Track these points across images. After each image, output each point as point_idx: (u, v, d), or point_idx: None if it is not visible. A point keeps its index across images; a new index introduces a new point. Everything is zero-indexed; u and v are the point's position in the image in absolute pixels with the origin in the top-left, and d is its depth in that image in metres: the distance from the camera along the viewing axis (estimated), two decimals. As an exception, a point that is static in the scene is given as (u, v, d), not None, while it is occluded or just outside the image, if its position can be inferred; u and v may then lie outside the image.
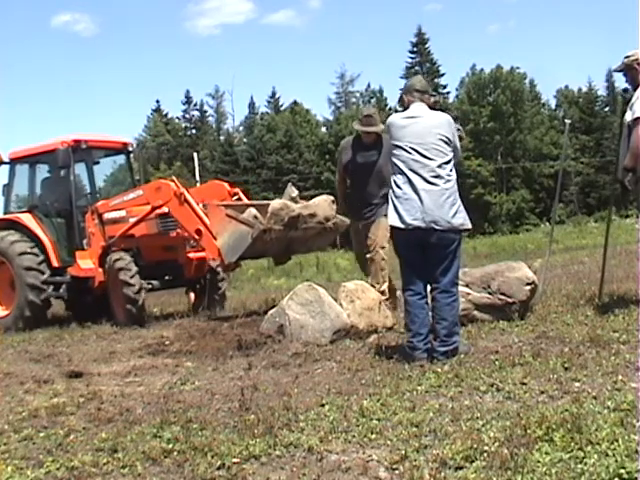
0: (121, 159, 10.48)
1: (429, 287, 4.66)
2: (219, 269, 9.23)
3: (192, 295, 9.71)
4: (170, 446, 3.21)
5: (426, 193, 4.45)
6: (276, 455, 3.01)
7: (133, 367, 5.46)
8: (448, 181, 4.53)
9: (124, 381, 5.00)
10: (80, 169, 9.88)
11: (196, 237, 8.05)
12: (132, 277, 8.19)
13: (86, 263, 8.96)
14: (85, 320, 8.67)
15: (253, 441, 3.15)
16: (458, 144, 4.75)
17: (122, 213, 8.78)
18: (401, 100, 4.88)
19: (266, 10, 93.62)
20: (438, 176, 4.50)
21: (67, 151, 9.01)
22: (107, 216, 8.87)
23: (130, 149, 10.31)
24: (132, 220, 8.62)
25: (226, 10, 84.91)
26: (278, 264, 8.94)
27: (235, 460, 2.96)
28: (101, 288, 8.72)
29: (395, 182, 4.59)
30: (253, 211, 7.58)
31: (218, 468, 2.90)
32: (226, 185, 8.76)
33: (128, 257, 8.42)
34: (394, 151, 4.64)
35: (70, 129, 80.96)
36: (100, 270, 8.74)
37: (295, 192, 7.80)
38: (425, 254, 4.56)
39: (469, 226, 4.68)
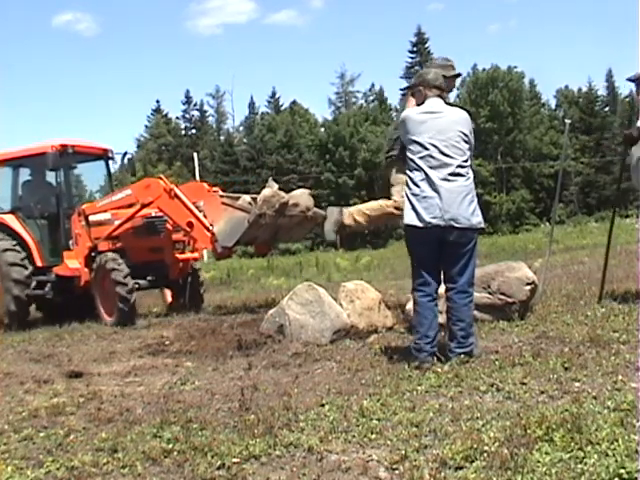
0: (101, 164, 10.66)
1: (443, 287, 4.58)
2: (199, 270, 9.72)
3: (168, 294, 9.90)
4: (170, 446, 3.21)
5: (446, 191, 4.37)
6: (276, 455, 3.01)
7: (133, 367, 5.46)
8: (467, 179, 4.47)
9: (124, 381, 5.00)
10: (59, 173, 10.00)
11: (188, 229, 8.36)
12: (125, 277, 8.39)
13: (73, 263, 9.18)
14: (56, 320, 8.83)
15: (253, 441, 3.15)
16: (473, 142, 4.65)
17: (107, 216, 9.02)
18: (416, 92, 4.75)
19: (268, 10, 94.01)
20: (458, 174, 4.43)
21: (57, 154, 9.19)
22: (93, 218, 9.09)
23: (110, 155, 10.48)
24: (117, 222, 8.84)
25: (228, 10, 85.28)
26: (260, 255, 9.42)
27: (235, 460, 2.96)
28: (85, 288, 8.95)
29: (412, 179, 4.48)
30: (247, 198, 8.29)
31: (218, 468, 2.90)
32: (205, 185, 9.06)
33: (119, 258, 8.61)
34: (410, 146, 4.53)
35: (69, 129, 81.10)
36: (86, 270, 8.98)
37: (275, 186, 8.21)
38: (441, 254, 4.48)
39: (484, 225, 4.67)
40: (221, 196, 8.49)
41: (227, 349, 5.69)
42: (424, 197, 4.41)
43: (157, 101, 62.84)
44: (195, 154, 39.84)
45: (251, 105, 60.48)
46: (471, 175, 4.55)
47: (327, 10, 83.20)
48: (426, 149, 4.46)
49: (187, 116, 61.15)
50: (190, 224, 8.27)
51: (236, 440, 3.20)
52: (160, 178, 8.85)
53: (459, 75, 6.22)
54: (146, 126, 59.20)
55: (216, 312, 8.78)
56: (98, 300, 8.71)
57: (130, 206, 8.90)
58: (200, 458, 3.02)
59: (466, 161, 4.51)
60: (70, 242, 9.32)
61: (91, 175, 11.26)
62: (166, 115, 59.72)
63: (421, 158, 4.46)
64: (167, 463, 3.05)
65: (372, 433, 3.16)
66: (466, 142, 4.53)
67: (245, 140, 57.54)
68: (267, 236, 8.44)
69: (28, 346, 7.09)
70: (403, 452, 2.86)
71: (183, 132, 60.43)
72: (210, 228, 8.15)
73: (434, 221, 4.37)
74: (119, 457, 3.14)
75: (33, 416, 4.04)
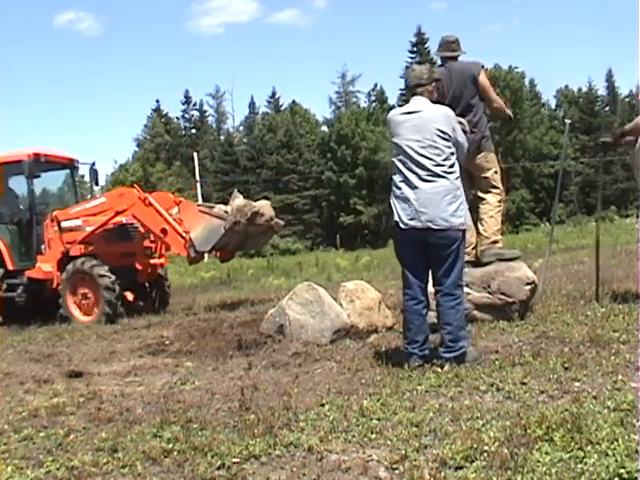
0: (67, 173, 11.08)
1: (432, 290, 4.54)
2: (166, 276, 10.26)
3: (129, 295, 10.15)
4: (170, 446, 3.22)
5: (423, 192, 4.32)
6: (276, 455, 3.02)
7: (133, 367, 5.46)
8: (447, 179, 4.36)
9: (124, 381, 5.00)
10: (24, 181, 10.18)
11: (162, 236, 8.94)
12: (106, 271, 8.91)
13: (46, 267, 9.58)
14: (14, 322, 9.11)
15: (253, 441, 3.16)
16: (461, 138, 4.54)
17: (78, 222, 9.45)
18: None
19: (271, 9, 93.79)
20: (435, 174, 4.35)
21: (32, 162, 9.56)
22: (65, 224, 9.50)
23: (76, 165, 10.93)
24: (88, 229, 9.33)
25: (232, 9, 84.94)
26: (224, 261, 10.28)
27: (235, 460, 2.96)
28: (55, 291, 9.34)
29: (394, 181, 4.49)
30: (223, 207, 9.04)
31: (218, 468, 2.91)
32: (171, 195, 9.87)
33: (94, 259, 9.14)
34: (393, 150, 4.54)
35: (69, 129, 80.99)
36: (58, 274, 9.39)
37: (240, 197, 8.90)
38: (426, 256, 4.43)
39: (469, 225, 4.62)
40: (198, 205, 9.34)
41: (227, 349, 5.70)
42: (402, 198, 4.40)
43: (157, 101, 62.88)
44: (195, 154, 39.78)
45: (251, 105, 60.49)
46: (454, 174, 4.42)
47: (330, 10, 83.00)
48: (403, 150, 4.43)
49: (187, 116, 61.14)
50: (164, 230, 8.85)
51: (236, 440, 3.20)
52: (134, 187, 9.43)
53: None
54: (145, 126, 59.24)
55: (215, 311, 8.79)
56: (70, 302, 9.11)
57: (98, 214, 9.36)
58: (200, 458, 3.03)
59: (446, 159, 4.39)
60: (42, 246, 9.71)
61: (58, 183, 11.74)
62: (166, 115, 59.65)
63: (400, 160, 4.45)
64: (167, 463, 3.05)
65: (372, 433, 3.16)
66: (446, 140, 4.42)
67: (245, 140, 57.49)
68: (236, 243, 9.15)
69: (28, 346, 7.09)
70: (403, 452, 2.87)
71: (183, 132, 60.37)
72: (183, 235, 8.71)
73: (411, 222, 4.34)
74: (119, 457, 3.15)
75: (33, 416, 4.05)
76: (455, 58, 5.91)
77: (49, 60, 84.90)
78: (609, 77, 56.22)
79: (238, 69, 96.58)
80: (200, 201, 31.48)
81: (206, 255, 10.95)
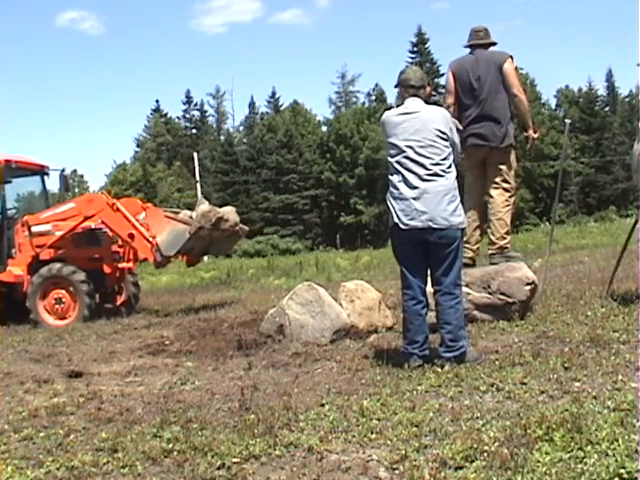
0: (37, 180, 11.22)
1: (431, 289, 4.54)
2: (136, 278, 10.61)
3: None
4: (170, 446, 3.22)
5: (422, 191, 4.33)
6: (276, 455, 3.02)
7: (133, 367, 5.46)
8: (446, 178, 4.39)
9: (124, 381, 5.01)
10: None
11: (129, 240, 9.21)
12: (85, 277, 9.19)
13: (16, 270, 9.78)
14: None
15: (253, 441, 3.16)
16: (457, 139, 4.59)
17: (48, 227, 9.66)
18: (398, 92, 4.77)
19: (274, 9, 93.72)
20: (435, 174, 4.36)
21: (4, 168, 9.78)
22: (35, 229, 9.69)
23: (46, 171, 11.13)
24: (58, 233, 9.53)
25: (234, 9, 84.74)
26: (190, 265, 10.63)
27: (235, 460, 2.96)
28: (25, 294, 9.49)
29: (392, 182, 4.48)
30: (188, 212, 9.44)
31: (218, 468, 2.91)
32: (138, 201, 10.15)
33: (71, 265, 9.34)
34: (390, 150, 4.53)
35: (70, 129, 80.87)
36: (28, 277, 9.58)
37: (205, 203, 9.27)
38: (425, 256, 4.43)
39: (465, 225, 4.63)
40: (164, 210, 9.66)
41: (227, 349, 5.70)
42: (402, 199, 4.39)
43: (156, 101, 62.93)
44: (195, 154, 39.81)
45: (251, 105, 60.50)
46: (452, 174, 4.45)
47: (333, 9, 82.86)
48: (402, 151, 4.43)
49: (187, 116, 61.13)
50: (131, 235, 9.10)
51: (236, 440, 3.20)
52: (102, 193, 9.82)
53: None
54: (146, 126, 59.26)
55: (215, 311, 8.79)
56: (40, 306, 9.24)
57: (68, 219, 9.53)
58: (200, 458, 3.03)
59: (445, 159, 4.42)
60: (13, 251, 9.89)
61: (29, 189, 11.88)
62: (166, 115, 59.67)
63: (398, 160, 4.45)
64: (167, 463, 3.05)
65: (372, 433, 3.16)
66: (444, 140, 4.45)
67: (245, 140, 57.50)
68: (200, 248, 9.42)
69: (28, 346, 7.09)
70: (403, 452, 2.87)
71: (183, 132, 60.35)
72: (150, 239, 8.94)
73: (412, 223, 4.33)
74: (119, 457, 3.15)
75: (33, 416, 4.05)
76: (484, 46, 5.97)
77: (50, 59, 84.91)
78: (609, 77, 56.19)
79: (238, 69, 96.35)
80: (200, 201, 31.51)
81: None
